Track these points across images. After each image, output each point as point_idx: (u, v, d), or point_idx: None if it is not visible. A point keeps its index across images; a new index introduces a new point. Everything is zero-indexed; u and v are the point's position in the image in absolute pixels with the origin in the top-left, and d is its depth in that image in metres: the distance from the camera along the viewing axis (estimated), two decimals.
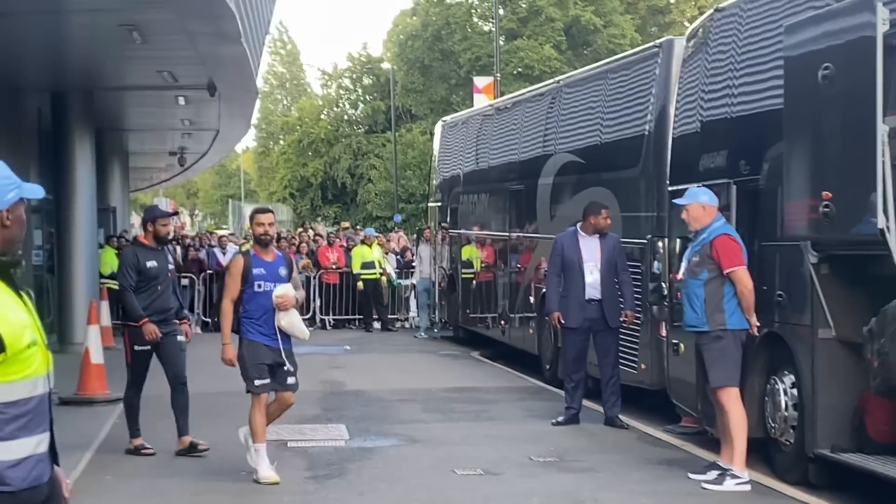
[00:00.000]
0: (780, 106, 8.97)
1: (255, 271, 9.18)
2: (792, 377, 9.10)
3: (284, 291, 9.11)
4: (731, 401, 8.95)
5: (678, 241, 10.84)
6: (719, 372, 8.98)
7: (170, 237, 10.68)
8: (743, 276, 8.96)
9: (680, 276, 9.52)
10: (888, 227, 7.62)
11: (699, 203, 9.19)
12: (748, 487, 8.70)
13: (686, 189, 9.73)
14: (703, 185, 9.71)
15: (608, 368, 11.56)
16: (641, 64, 13.21)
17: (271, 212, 9.70)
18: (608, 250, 11.52)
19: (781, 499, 8.51)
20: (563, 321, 11.63)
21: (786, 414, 9.14)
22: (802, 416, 8.93)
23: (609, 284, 11.47)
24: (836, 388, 8.68)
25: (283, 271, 9.28)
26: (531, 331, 15.92)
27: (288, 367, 9.15)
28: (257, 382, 9.12)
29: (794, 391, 9.06)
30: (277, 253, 9.46)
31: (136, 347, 10.25)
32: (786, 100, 8.80)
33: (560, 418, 11.62)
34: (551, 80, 17.99)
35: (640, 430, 11.28)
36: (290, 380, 9.20)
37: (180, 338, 10.37)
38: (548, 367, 14.90)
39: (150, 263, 10.21)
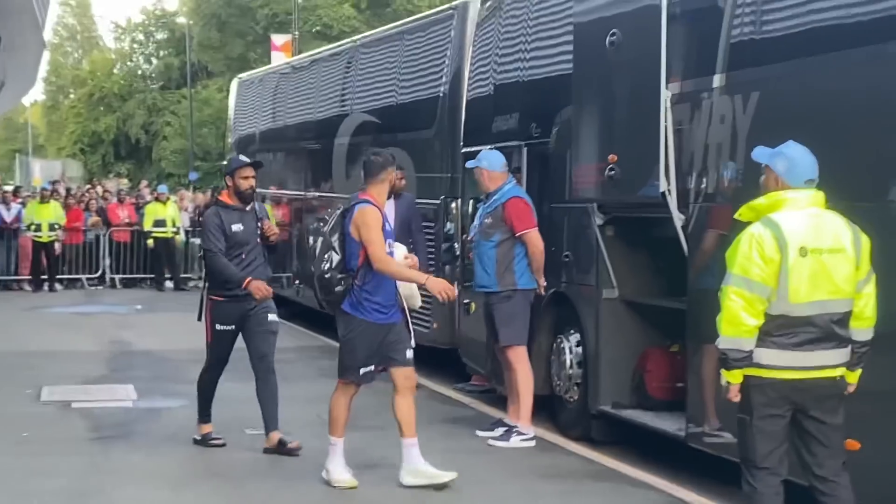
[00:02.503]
0: (570, 71, 9.14)
1: (385, 227, 7.64)
2: (577, 336, 9.34)
3: (404, 251, 7.83)
4: (519, 359, 9.13)
5: (471, 202, 10.97)
6: (509, 331, 9.13)
7: (252, 193, 8.77)
8: (534, 238, 9.11)
9: (471, 237, 9.64)
10: (669, 190, 7.89)
11: (482, 168, 9.29)
12: (533, 443, 8.90)
13: (479, 151, 9.84)
14: (495, 148, 9.82)
15: None
16: (437, 25, 13.27)
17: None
18: (402, 210, 11.54)
19: (564, 454, 8.74)
20: None
21: (570, 372, 9.38)
22: (586, 373, 9.18)
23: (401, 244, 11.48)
24: (619, 346, 8.95)
25: (387, 226, 7.76)
26: None
27: (407, 338, 7.71)
28: (363, 371, 7.65)
29: (579, 349, 9.30)
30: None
31: (218, 326, 8.69)
32: (575, 65, 8.98)
33: None
34: (348, 40, 17.93)
35: (431, 389, 11.39)
36: (409, 352, 7.71)
37: (272, 316, 8.72)
38: None
39: (236, 227, 8.55)
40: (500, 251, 9.07)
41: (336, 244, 7.60)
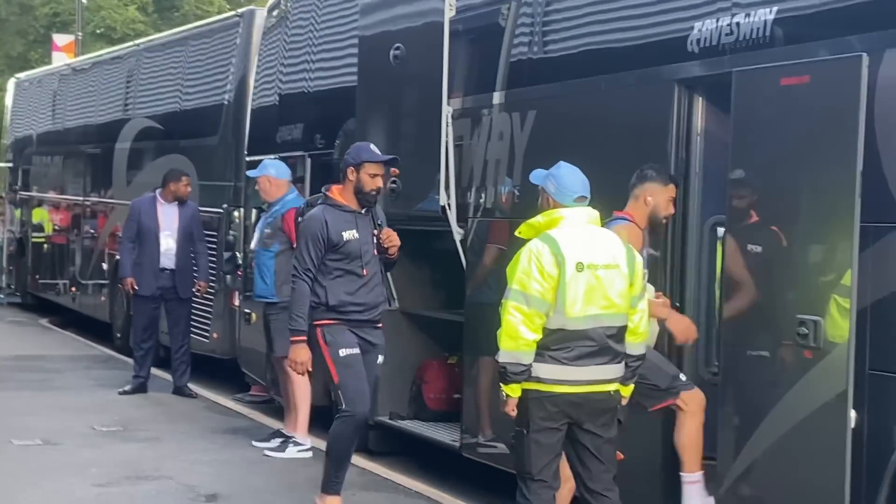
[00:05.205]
0: (355, 83, 9.18)
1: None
2: None
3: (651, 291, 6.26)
4: None
5: (254, 211, 10.90)
6: (285, 341, 8.95)
7: (377, 197, 7.04)
8: None
9: (252, 246, 9.58)
10: (449, 205, 8.00)
11: (266, 176, 9.24)
12: (310, 454, 8.87)
13: (263, 159, 9.78)
14: (279, 157, 9.79)
15: (178, 338, 11.44)
16: (222, 33, 13.16)
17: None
18: (186, 219, 11.36)
19: None
20: (136, 287, 11.40)
21: None
22: None
23: (184, 254, 11.31)
24: (398, 358, 9.00)
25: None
26: (103, 298, 15.53)
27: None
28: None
29: None
30: None
31: (342, 352, 6.83)
32: (359, 78, 9.02)
33: (127, 387, 11.42)
34: (131, 43, 17.61)
35: (209, 399, 11.26)
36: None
37: (381, 358, 7.14)
38: (119, 335, 14.60)
39: (348, 234, 6.83)
40: (279, 261, 9.00)
41: None
